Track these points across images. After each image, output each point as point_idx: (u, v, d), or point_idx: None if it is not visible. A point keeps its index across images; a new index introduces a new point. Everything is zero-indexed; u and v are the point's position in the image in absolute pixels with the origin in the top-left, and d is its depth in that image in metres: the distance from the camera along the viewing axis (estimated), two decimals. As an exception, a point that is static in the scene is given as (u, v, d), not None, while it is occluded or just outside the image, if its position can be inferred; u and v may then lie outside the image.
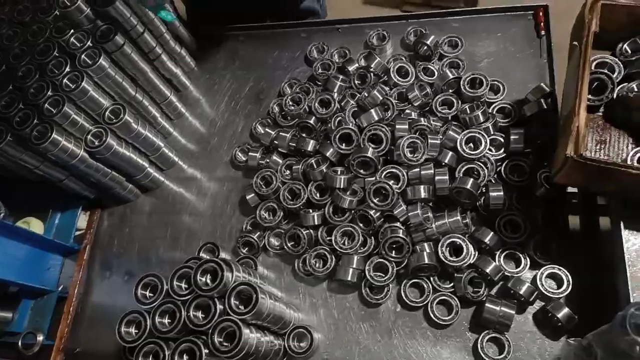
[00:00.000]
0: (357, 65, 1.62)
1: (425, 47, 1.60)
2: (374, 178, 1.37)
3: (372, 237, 1.35)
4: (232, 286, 1.05)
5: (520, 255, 1.27)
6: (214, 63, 1.86)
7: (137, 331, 1.11)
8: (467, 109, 1.43)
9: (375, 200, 1.33)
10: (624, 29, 1.21)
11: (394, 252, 1.31)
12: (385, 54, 1.70)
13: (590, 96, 1.20)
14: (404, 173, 1.35)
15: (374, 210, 1.32)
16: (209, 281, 1.08)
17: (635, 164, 1.07)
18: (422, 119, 1.44)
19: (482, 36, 1.66)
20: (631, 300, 1.01)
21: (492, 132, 1.40)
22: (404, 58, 1.62)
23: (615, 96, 1.19)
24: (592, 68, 1.22)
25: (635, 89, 1.16)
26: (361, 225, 1.35)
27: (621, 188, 1.06)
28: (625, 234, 1.08)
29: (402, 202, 1.33)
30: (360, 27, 1.77)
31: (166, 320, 1.08)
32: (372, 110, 1.42)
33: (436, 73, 1.54)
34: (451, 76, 1.48)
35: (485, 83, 1.46)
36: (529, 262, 1.26)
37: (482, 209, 1.33)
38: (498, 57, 1.61)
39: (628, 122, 1.17)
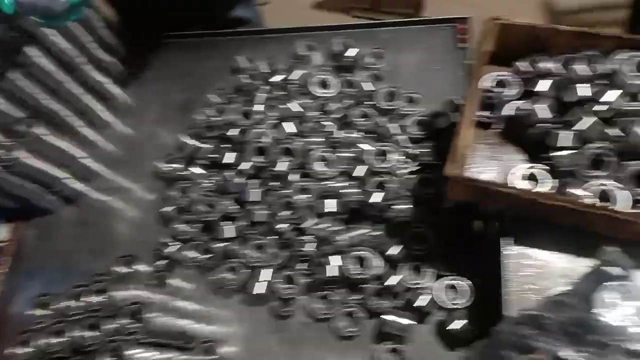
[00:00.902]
0: (281, 76, 1.62)
1: (349, 59, 1.61)
2: (286, 191, 1.38)
3: (284, 250, 1.36)
4: (121, 305, 1.05)
5: (425, 267, 1.29)
6: (143, 71, 1.84)
7: (34, 350, 1.11)
8: (382, 122, 1.44)
9: (285, 214, 1.34)
10: (523, 46, 1.23)
11: (302, 264, 1.32)
12: (311, 64, 1.70)
13: (487, 113, 1.22)
14: (316, 186, 1.36)
15: (284, 224, 1.33)
16: (101, 299, 1.08)
17: (516, 181, 1.09)
18: (339, 131, 1.45)
19: (408, 47, 1.68)
20: (505, 315, 1.04)
21: (404, 145, 1.42)
22: (328, 69, 1.63)
23: (510, 113, 1.21)
24: (490, 84, 1.25)
25: (530, 107, 1.18)
26: (273, 238, 1.36)
27: (507, 206, 1.08)
28: (505, 248, 1.10)
29: (311, 215, 1.34)
30: (289, 37, 1.77)
31: (56, 340, 1.08)
32: (289, 123, 1.43)
33: (358, 85, 1.55)
34: (369, 89, 1.50)
35: (401, 96, 1.47)
36: (432, 274, 1.28)
37: (391, 222, 1.35)
38: (419, 68, 1.62)
39: (524, 139, 1.20)
